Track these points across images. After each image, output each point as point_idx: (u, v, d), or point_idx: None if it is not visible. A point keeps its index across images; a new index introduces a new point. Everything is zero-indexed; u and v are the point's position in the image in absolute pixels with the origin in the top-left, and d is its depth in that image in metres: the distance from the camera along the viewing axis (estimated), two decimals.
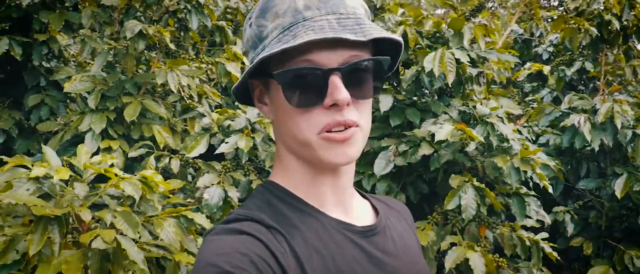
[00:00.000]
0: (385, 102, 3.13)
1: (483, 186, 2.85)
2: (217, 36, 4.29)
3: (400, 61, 3.30)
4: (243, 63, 3.93)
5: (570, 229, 3.84)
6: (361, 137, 0.86)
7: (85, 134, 3.21)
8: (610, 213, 4.06)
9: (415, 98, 3.43)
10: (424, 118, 3.21)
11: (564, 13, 4.60)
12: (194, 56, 4.18)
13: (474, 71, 3.27)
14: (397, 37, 0.85)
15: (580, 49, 4.92)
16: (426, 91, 3.49)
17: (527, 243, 2.93)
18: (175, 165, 3.19)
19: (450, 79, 3.00)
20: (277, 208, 0.87)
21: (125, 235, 1.89)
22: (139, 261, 1.87)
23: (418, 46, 3.28)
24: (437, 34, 3.43)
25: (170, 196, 2.47)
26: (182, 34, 4.03)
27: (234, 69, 3.80)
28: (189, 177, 3.40)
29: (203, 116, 3.51)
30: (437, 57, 3.00)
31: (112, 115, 3.31)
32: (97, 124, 3.21)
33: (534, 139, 4.41)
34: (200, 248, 0.79)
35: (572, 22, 4.38)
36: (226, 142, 3.03)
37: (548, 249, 2.93)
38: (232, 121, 3.22)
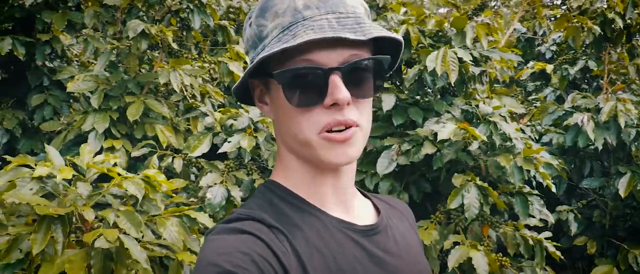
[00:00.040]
0: (388, 101, 3.13)
1: (486, 185, 2.85)
2: (219, 35, 4.30)
3: (403, 60, 3.32)
4: (245, 62, 3.93)
5: (573, 228, 3.83)
6: (361, 137, 0.86)
7: (88, 134, 3.22)
8: (614, 212, 4.05)
9: (418, 97, 3.42)
10: (427, 117, 3.20)
11: (567, 12, 4.59)
12: (197, 56, 4.19)
13: (476, 70, 3.27)
14: (397, 36, 0.84)
15: (583, 48, 4.91)
16: (429, 90, 3.49)
17: (530, 242, 2.92)
18: (178, 164, 3.20)
19: (453, 78, 2.99)
20: (278, 208, 0.87)
21: (128, 234, 1.89)
22: (141, 260, 1.87)
23: (420, 45, 3.28)
24: (440, 33, 3.42)
25: (173, 195, 2.47)
26: (184, 33, 4.04)
27: (236, 68, 3.81)
28: (192, 177, 3.41)
29: (206, 115, 3.52)
30: (440, 56, 3.00)
31: (115, 114, 3.32)
32: (100, 123, 3.22)
33: (537, 138, 4.40)
34: (201, 247, 0.79)
35: (575, 20, 4.37)
36: (229, 142, 3.03)
37: (551, 249, 2.93)
38: (235, 120, 3.22)
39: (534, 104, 5.34)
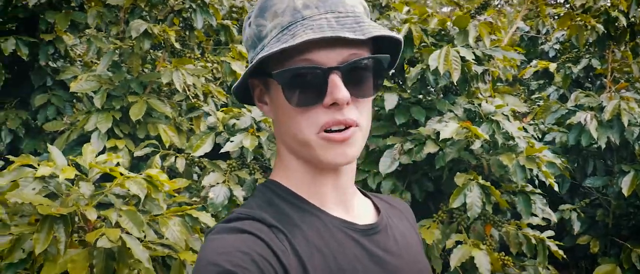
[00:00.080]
0: (391, 100, 3.13)
1: (488, 184, 2.84)
2: (222, 35, 4.30)
3: (405, 59, 3.32)
4: (248, 62, 3.93)
5: (576, 227, 3.82)
6: (361, 136, 0.86)
7: (91, 134, 3.23)
8: (617, 211, 4.04)
9: (420, 96, 3.42)
10: (429, 116, 3.20)
11: (570, 10, 4.57)
12: (200, 55, 4.20)
13: (479, 69, 3.26)
14: (397, 35, 0.84)
15: (586, 46, 4.89)
16: (431, 89, 3.49)
17: (533, 241, 2.92)
18: (180, 164, 3.20)
19: (456, 77, 2.99)
20: (278, 207, 0.87)
21: (131, 234, 1.89)
22: (144, 259, 1.88)
23: (423, 44, 3.27)
24: (442, 32, 3.41)
25: (176, 195, 2.48)
26: (187, 33, 4.04)
27: (239, 67, 3.81)
28: (195, 176, 3.42)
29: (208, 114, 3.52)
30: (442, 55, 2.99)
31: (118, 114, 3.33)
32: (103, 123, 3.23)
33: (540, 136, 4.39)
34: (201, 247, 0.79)
35: (579, 19, 4.36)
36: (231, 141, 3.04)
37: (554, 248, 2.92)
38: (238, 119, 3.22)
39: (537, 103, 5.33)
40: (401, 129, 3.28)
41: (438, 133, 2.90)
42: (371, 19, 0.89)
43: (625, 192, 3.63)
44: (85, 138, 3.24)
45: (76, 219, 1.99)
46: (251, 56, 0.90)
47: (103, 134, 3.22)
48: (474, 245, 2.78)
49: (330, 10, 0.82)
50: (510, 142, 3.03)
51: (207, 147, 3.13)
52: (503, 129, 2.99)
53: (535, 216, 3.01)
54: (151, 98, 3.40)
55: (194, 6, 3.81)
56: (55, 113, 3.72)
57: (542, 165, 2.94)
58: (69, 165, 2.05)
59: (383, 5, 5.53)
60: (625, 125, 3.73)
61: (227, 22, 4.30)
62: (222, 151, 3.05)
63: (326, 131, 0.82)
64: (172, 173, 3.30)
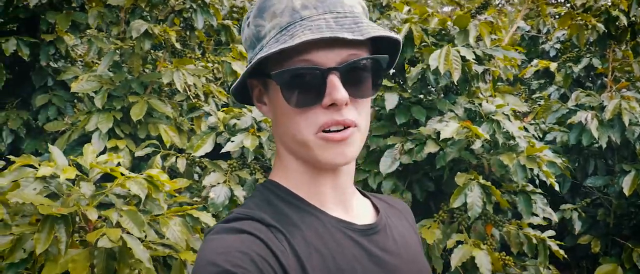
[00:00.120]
0: (391, 100, 3.13)
1: (489, 183, 2.84)
2: (223, 35, 4.31)
3: (406, 59, 3.32)
4: (248, 62, 3.94)
5: (577, 227, 3.82)
6: (359, 137, 0.86)
7: (92, 134, 3.23)
8: (619, 211, 4.04)
9: (421, 96, 3.42)
10: (430, 116, 3.20)
11: (571, 9, 4.57)
12: (200, 55, 4.20)
13: (479, 69, 3.26)
14: (395, 35, 0.84)
15: (587, 46, 4.89)
16: (432, 89, 3.49)
17: (534, 240, 2.92)
18: (181, 164, 3.20)
19: (456, 76, 2.99)
20: (277, 207, 0.87)
21: (131, 234, 1.90)
22: (144, 259, 1.88)
23: (423, 44, 3.27)
24: (443, 32, 3.41)
25: (177, 195, 2.48)
26: (188, 33, 4.05)
27: (239, 68, 3.82)
28: (196, 176, 3.42)
29: (209, 114, 3.53)
30: (443, 54, 2.99)
31: (119, 114, 3.33)
32: (104, 123, 3.24)
33: (541, 136, 4.39)
34: (200, 247, 0.79)
35: (579, 18, 4.35)
36: (232, 141, 3.04)
37: (555, 247, 2.92)
38: (238, 119, 3.22)
39: (538, 102, 5.33)
40: (402, 129, 3.28)
41: (438, 133, 2.90)
42: (371, 18, 0.89)
43: (626, 191, 3.63)
44: (86, 138, 3.24)
45: (77, 219, 1.99)
46: (250, 56, 0.90)
47: (104, 134, 3.22)
48: (475, 245, 2.78)
49: (329, 11, 0.82)
50: (511, 142, 3.03)
51: (207, 147, 3.13)
52: (504, 128, 2.99)
53: (536, 215, 3.01)
54: (152, 98, 3.41)
55: (194, 6, 3.82)
56: (56, 113, 3.72)
57: (542, 165, 2.94)
58: (69, 165, 2.05)
59: (383, 4, 5.53)
60: (626, 124, 3.73)
61: (228, 22, 4.30)
62: (223, 151, 3.05)
63: (324, 131, 0.83)
64: (173, 173, 3.30)
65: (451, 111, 3.24)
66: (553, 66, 5.17)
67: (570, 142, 4.01)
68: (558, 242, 2.98)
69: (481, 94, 3.46)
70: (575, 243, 4.00)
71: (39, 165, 1.99)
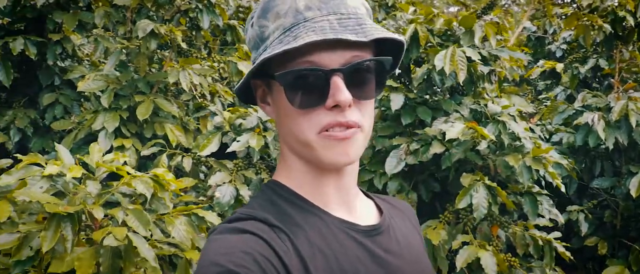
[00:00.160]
0: (397, 100, 3.13)
1: (495, 184, 2.84)
2: (229, 35, 4.32)
3: (411, 59, 3.32)
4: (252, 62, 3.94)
5: (584, 228, 3.81)
6: (362, 138, 0.86)
7: (98, 133, 3.25)
8: (626, 212, 4.02)
9: (426, 96, 3.42)
10: (436, 116, 3.20)
11: (577, 10, 4.55)
12: (206, 55, 4.21)
13: (485, 69, 3.25)
14: (399, 36, 0.84)
15: (594, 46, 4.87)
16: (437, 89, 3.48)
17: (540, 242, 2.91)
18: (187, 163, 3.22)
19: (461, 77, 2.99)
20: (280, 207, 0.87)
21: (137, 233, 1.91)
22: (150, 258, 1.89)
23: (429, 44, 3.27)
24: (448, 32, 3.41)
25: (182, 194, 2.49)
26: (194, 33, 4.06)
27: (245, 67, 3.83)
28: (201, 176, 3.43)
29: (215, 114, 3.54)
30: (448, 55, 2.99)
31: (125, 114, 3.35)
32: (110, 122, 3.25)
33: (547, 137, 4.38)
34: (203, 247, 0.79)
35: (586, 19, 4.33)
36: (238, 141, 3.05)
37: (561, 249, 2.91)
38: (244, 119, 3.23)
39: (544, 103, 5.31)
40: (407, 130, 3.28)
41: (444, 133, 2.90)
42: (377, 19, 0.89)
43: (633, 193, 3.61)
44: (92, 137, 3.26)
45: (83, 217, 2.01)
46: (253, 57, 0.90)
47: (110, 133, 3.24)
48: (480, 246, 2.77)
49: (333, 12, 0.82)
50: (517, 142, 3.02)
51: (213, 146, 3.15)
52: (509, 129, 2.98)
53: (542, 217, 3.00)
54: (158, 98, 3.42)
55: (200, 6, 3.83)
56: (63, 112, 3.75)
57: (548, 166, 2.93)
58: (76, 164, 2.07)
59: (389, 5, 5.53)
60: (633, 125, 3.71)
61: (234, 22, 4.31)
62: (228, 150, 3.06)
63: (326, 131, 0.83)
64: (179, 172, 3.31)
65: (457, 111, 3.23)
66: (559, 67, 5.14)
67: (576, 144, 4.00)
68: (564, 244, 2.97)
69: (487, 94, 3.46)
70: (582, 244, 3.98)
71: (46, 163, 2.00)
